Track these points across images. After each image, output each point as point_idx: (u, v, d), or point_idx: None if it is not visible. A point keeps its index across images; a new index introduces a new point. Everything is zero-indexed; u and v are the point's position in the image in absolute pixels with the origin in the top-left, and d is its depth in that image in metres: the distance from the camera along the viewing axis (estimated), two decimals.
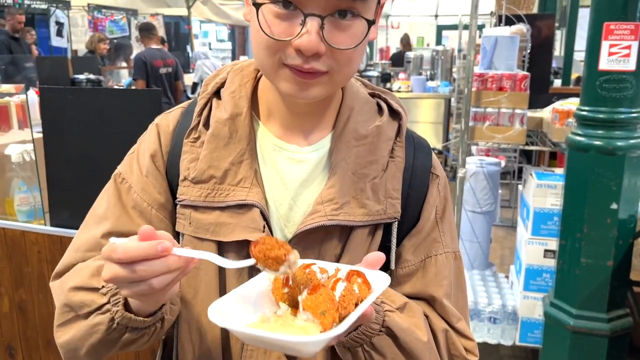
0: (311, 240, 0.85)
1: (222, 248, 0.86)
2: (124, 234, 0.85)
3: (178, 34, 13.83)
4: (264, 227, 0.84)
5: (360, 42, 0.77)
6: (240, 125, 0.87)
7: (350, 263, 0.82)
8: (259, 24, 0.76)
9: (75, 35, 10.58)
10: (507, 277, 3.45)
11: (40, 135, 2.04)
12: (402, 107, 0.94)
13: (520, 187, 3.32)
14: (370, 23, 0.76)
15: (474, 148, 4.60)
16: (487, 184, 3.41)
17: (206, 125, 0.89)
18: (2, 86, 2.61)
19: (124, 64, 9.42)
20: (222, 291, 0.87)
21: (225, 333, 0.88)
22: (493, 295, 3.11)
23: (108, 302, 0.78)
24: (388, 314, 0.81)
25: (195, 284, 0.88)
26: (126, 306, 0.77)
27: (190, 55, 9.87)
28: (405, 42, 9.50)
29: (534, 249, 2.88)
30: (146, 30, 6.31)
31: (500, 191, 3.81)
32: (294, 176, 0.88)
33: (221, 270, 0.87)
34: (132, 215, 0.89)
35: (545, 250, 2.86)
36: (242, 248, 0.84)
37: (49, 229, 2.02)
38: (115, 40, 10.48)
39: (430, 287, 0.90)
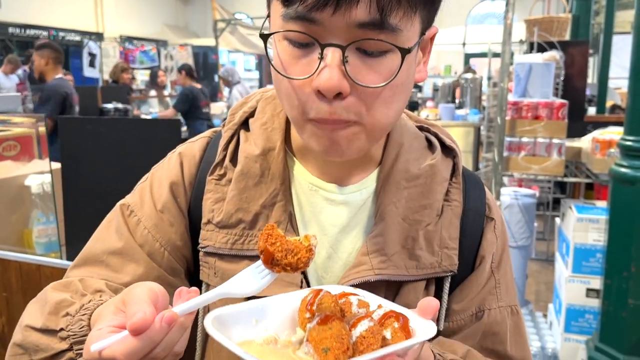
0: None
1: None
2: (122, 284, 0.74)
3: (206, 63, 14.06)
4: (302, 282, 0.73)
5: (392, 79, 0.63)
6: (273, 161, 0.76)
7: None
8: (271, 62, 0.65)
9: (107, 65, 10.84)
10: (545, 316, 3.25)
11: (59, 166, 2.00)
12: (455, 143, 0.82)
13: (557, 220, 3.15)
14: (404, 52, 0.62)
15: (505, 178, 4.45)
16: (523, 216, 3.24)
17: (233, 160, 0.78)
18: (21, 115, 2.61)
19: (153, 93, 9.57)
20: None
21: None
22: (531, 336, 2.91)
23: (70, 349, 0.65)
24: None
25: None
26: None
27: (217, 84, 9.98)
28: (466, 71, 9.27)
29: (575, 287, 2.70)
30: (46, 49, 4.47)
31: (535, 224, 3.63)
32: (333, 221, 0.76)
33: None
34: (134, 258, 0.77)
35: (588, 289, 2.68)
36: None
37: (65, 263, 1.95)
38: (149, 70, 10.70)
39: (482, 343, 0.78)
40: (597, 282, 2.61)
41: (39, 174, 2.27)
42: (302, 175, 0.78)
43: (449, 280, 0.77)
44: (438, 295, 0.77)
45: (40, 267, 1.98)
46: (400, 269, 0.73)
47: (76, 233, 1.94)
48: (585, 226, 2.64)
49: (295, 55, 0.63)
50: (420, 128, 0.83)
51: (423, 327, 0.58)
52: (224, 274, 0.75)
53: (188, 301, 0.55)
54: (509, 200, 3.30)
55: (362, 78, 0.62)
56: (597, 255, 2.64)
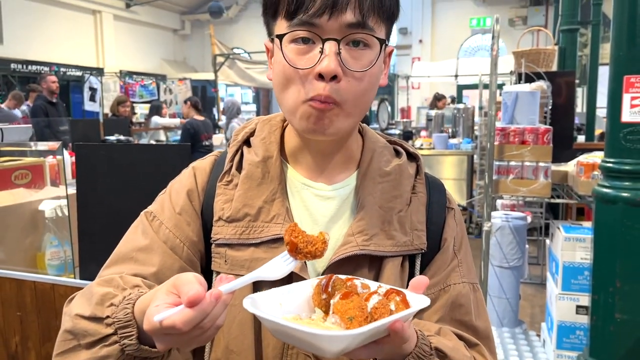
0: (342, 271, 0.87)
1: (257, 282, 0.86)
2: (149, 275, 0.88)
3: (205, 97, 14.32)
4: (305, 264, 0.88)
5: (372, 65, 0.84)
6: (271, 166, 0.93)
7: None
8: (284, 56, 0.84)
9: (107, 99, 11.06)
10: (538, 335, 3.33)
11: (73, 191, 2.11)
12: (417, 152, 1.03)
13: (547, 241, 3.26)
14: (382, 41, 0.84)
15: (498, 204, 4.57)
16: (514, 238, 3.36)
17: (238, 169, 0.96)
18: (38, 144, 2.75)
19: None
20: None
21: (259, 342, 0.88)
22: (525, 354, 2.99)
23: (115, 334, 0.77)
24: (431, 338, 0.83)
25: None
26: (139, 338, 0.77)
27: (216, 117, 10.17)
28: (435, 99, 9.61)
29: (565, 304, 2.80)
30: None
31: (527, 247, 3.73)
32: (323, 212, 0.93)
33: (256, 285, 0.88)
34: (159, 251, 0.91)
35: (578, 306, 2.77)
36: (277, 281, 0.86)
37: (79, 282, 2.05)
38: (149, 103, 10.91)
39: (451, 315, 0.93)
40: (586, 299, 2.70)
41: (53, 200, 2.38)
42: (295, 177, 0.96)
43: (420, 258, 0.94)
44: (411, 271, 0.93)
45: (55, 286, 2.08)
46: (380, 246, 0.89)
47: (90, 254, 2.04)
48: (572, 245, 2.75)
49: (300, 52, 0.83)
50: (389, 141, 1.04)
51: (417, 299, 0.73)
52: (234, 260, 0.90)
53: (229, 283, 0.70)
54: (500, 222, 3.42)
55: (350, 65, 0.83)
56: (585, 273, 2.74)
